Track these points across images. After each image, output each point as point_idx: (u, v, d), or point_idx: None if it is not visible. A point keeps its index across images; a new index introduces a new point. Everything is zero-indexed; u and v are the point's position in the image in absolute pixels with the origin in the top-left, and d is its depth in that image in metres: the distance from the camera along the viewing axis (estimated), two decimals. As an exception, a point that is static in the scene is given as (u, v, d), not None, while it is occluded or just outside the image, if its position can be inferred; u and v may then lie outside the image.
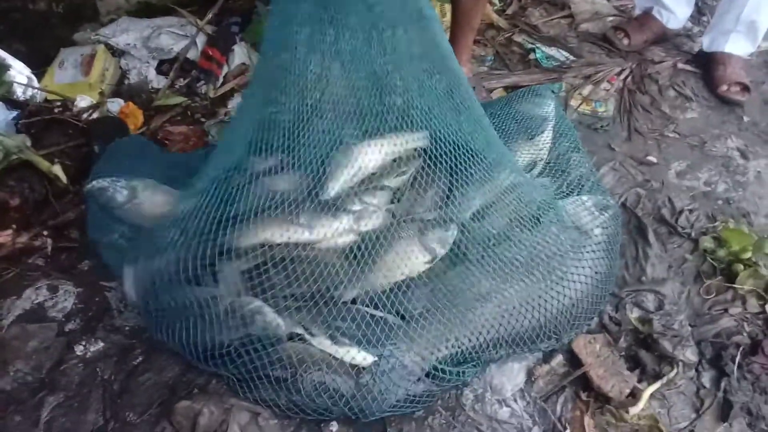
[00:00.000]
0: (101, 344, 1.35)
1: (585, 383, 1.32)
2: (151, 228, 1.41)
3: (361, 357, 1.21)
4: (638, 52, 2.24)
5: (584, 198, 1.50)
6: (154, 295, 1.31)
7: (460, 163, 1.38)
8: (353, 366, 1.22)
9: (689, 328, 1.42)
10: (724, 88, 2.07)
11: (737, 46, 2.10)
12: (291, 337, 1.24)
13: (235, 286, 1.26)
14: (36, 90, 1.83)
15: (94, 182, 1.48)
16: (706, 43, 2.17)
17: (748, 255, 1.52)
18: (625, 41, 2.24)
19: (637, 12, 2.35)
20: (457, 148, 1.39)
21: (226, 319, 1.21)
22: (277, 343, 1.21)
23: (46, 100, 1.87)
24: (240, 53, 1.99)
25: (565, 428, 1.25)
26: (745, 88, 2.07)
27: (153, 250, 1.37)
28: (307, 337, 1.23)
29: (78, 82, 1.87)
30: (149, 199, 1.45)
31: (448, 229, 1.33)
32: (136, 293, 1.33)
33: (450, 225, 1.33)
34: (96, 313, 1.40)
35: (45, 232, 1.54)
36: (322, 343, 1.23)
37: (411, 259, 1.30)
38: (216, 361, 1.22)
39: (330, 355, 1.23)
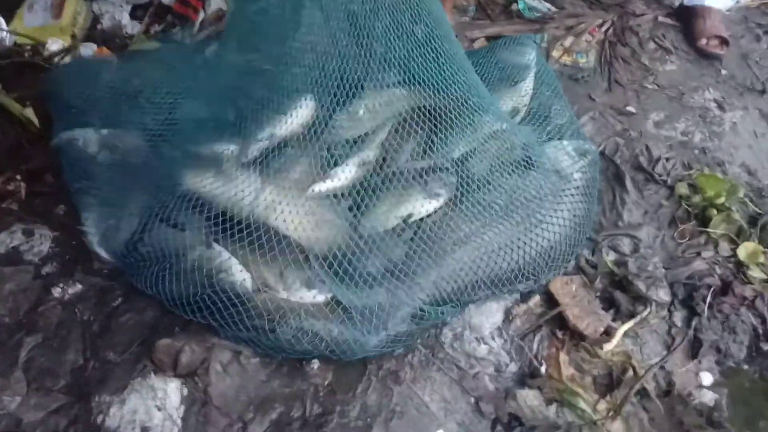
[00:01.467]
0: (79, 287, 1.34)
1: (561, 322, 1.35)
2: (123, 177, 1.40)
3: (311, 295, 1.23)
4: (619, 5, 2.23)
5: (564, 143, 1.51)
6: (128, 246, 1.31)
7: (441, 107, 1.38)
8: (333, 310, 1.23)
9: (663, 270, 1.46)
10: (704, 41, 2.08)
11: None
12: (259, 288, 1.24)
13: (201, 235, 1.26)
14: (5, 33, 1.77)
15: (61, 134, 1.46)
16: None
17: (722, 200, 1.55)
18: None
19: None
20: (437, 92, 1.38)
21: (193, 274, 1.21)
22: (246, 299, 1.21)
23: (15, 44, 1.81)
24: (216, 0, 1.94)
25: (541, 364, 1.29)
26: (724, 42, 2.08)
27: (127, 201, 1.36)
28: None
29: (48, 25, 1.81)
30: (121, 145, 1.44)
31: (448, 173, 1.34)
32: (106, 249, 1.34)
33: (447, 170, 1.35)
34: (73, 256, 1.39)
35: (18, 177, 1.50)
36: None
37: (416, 207, 1.31)
38: (192, 308, 1.22)
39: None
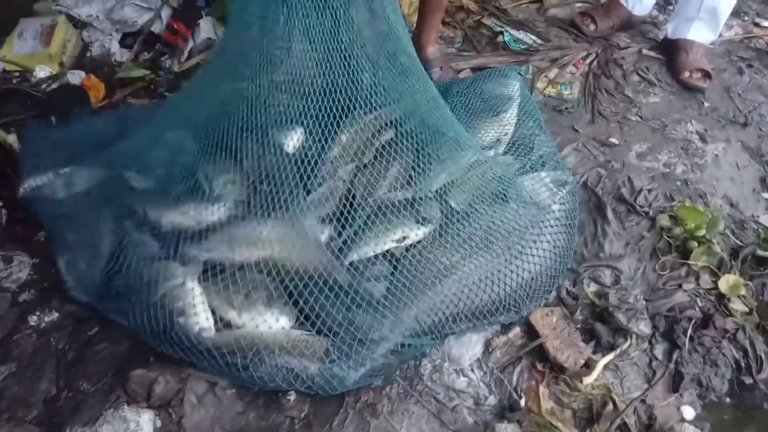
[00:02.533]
0: (56, 314, 1.33)
1: (541, 354, 1.34)
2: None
3: (273, 319, 1.21)
4: (604, 38, 2.27)
5: (543, 174, 1.52)
6: (101, 284, 1.30)
7: (424, 140, 1.39)
8: (308, 347, 1.21)
9: (644, 302, 1.46)
10: (687, 74, 2.11)
11: (699, 33, 2.15)
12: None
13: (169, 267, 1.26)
14: (-6, 60, 1.79)
15: (26, 183, 1.45)
16: (670, 30, 2.21)
17: (703, 232, 1.56)
18: (592, 27, 2.27)
19: None
20: (421, 124, 1.40)
21: (163, 309, 1.20)
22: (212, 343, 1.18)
23: (4, 71, 1.82)
24: (206, 28, 1.96)
25: (520, 397, 1.28)
26: (707, 75, 2.11)
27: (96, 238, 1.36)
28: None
29: (37, 52, 1.82)
30: (86, 181, 1.44)
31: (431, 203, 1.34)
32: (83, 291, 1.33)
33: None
34: (51, 284, 1.38)
35: (0, 203, 1.50)
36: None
37: (407, 231, 1.32)
38: (163, 342, 1.20)
39: (283, 338, 1.21)
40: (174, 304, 1.19)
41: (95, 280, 1.31)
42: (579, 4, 2.45)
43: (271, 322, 1.20)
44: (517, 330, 1.37)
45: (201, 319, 1.18)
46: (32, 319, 1.32)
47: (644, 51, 2.25)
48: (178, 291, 1.20)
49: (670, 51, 2.21)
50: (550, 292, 1.44)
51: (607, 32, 2.28)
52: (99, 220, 1.38)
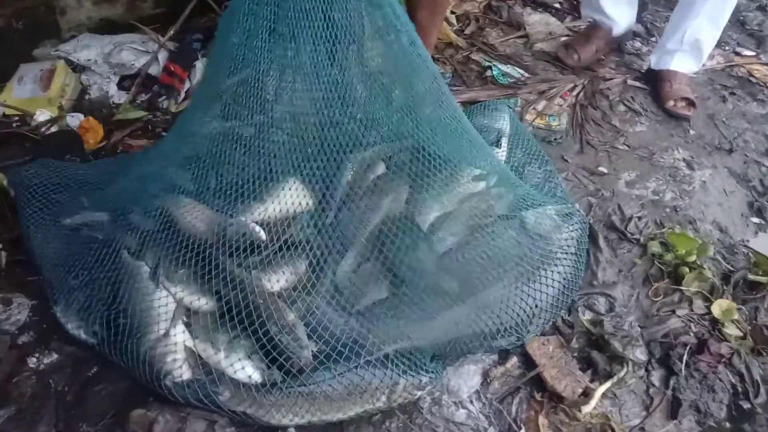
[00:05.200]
0: (55, 356, 1.33)
1: (539, 384, 1.35)
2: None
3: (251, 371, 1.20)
4: (590, 68, 2.33)
5: (548, 208, 1.54)
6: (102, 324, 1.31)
7: (420, 170, 1.41)
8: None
9: (639, 329, 1.47)
10: (671, 103, 2.17)
11: (683, 64, 2.21)
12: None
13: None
14: (-6, 105, 1.82)
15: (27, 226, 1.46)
16: (653, 61, 2.28)
17: (693, 258, 1.59)
18: (575, 57, 2.32)
19: (583, 26, 2.46)
20: (417, 151, 1.42)
21: (146, 367, 1.21)
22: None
23: (4, 115, 1.86)
24: (201, 69, 2.01)
25: (520, 428, 1.28)
26: (691, 104, 2.17)
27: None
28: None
29: (37, 97, 1.86)
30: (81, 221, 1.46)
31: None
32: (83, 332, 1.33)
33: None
34: (50, 325, 1.38)
35: (-1, 245, 1.52)
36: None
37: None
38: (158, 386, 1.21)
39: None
40: (159, 363, 1.19)
41: (94, 320, 1.32)
42: (564, 38, 2.52)
43: (250, 372, 1.20)
44: (514, 360, 1.38)
45: (186, 375, 1.19)
46: (31, 361, 1.32)
47: (629, 81, 2.32)
48: (163, 347, 1.21)
49: (655, 81, 2.27)
50: (552, 320, 1.45)
51: (592, 59, 2.35)
52: (97, 258, 1.39)
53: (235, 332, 1.23)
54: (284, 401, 1.18)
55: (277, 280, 1.29)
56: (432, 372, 1.28)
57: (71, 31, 2.02)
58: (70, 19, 2.01)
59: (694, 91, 2.26)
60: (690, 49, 2.18)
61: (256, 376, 1.19)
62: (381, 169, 1.43)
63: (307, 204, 1.35)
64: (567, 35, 2.55)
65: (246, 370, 1.20)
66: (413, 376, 1.25)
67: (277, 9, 1.33)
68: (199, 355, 1.22)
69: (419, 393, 1.27)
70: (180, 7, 2.10)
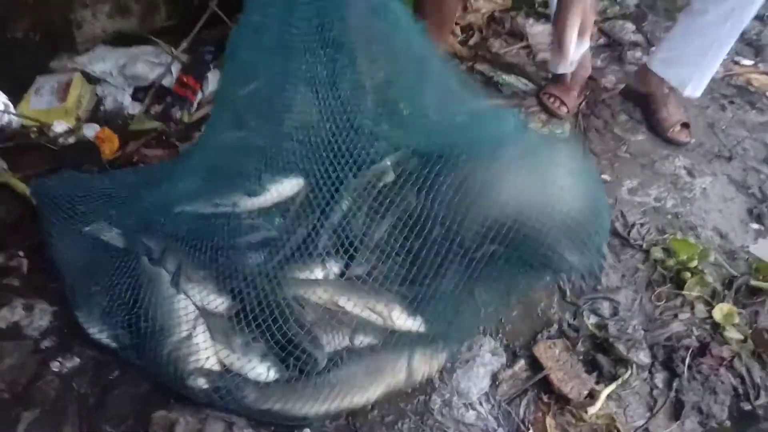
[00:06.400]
0: (77, 360, 1.37)
1: (546, 386, 1.39)
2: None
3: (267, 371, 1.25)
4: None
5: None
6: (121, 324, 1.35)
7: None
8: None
9: (642, 333, 1.52)
10: (670, 131, 2.14)
11: (680, 80, 2.12)
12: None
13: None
14: (12, 116, 1.87)
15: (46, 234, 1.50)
16: (651, 62, 2.18)
17: (695, 264, 1.63)
18: (564, 109, 2.22)
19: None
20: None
21: (169, 368, 1.25)
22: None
23: (22, 126, 1.91)
24: (213, 80, 2.07)
25: (528, 429, 1.32)
26: (687, 126, 2.16)
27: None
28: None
29: (54, 108, 1.91)
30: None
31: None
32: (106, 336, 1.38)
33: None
34: (72, 330, 1.42)
35: (20, 253, 1.56)
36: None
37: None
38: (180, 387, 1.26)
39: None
40: (182, 364, 1.23)
41: (115, 324, 1.36)
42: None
43: (267, 372, 1.25)
44: (522, 363, 1.42)
45: (209, 375, 1.23)
46: (54, 365, 1.36)
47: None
48: (186, 348, 1.25)
49: (648, 96, 2.22)
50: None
51: (579, 103, 2.28)
52: (118, 265, 1.44)
53: (252, 334, 1.27)
54: (307, 392, 1.22)
55: (292, 276, 1.34)
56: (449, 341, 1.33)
57: (87, 44, 2.07)
58: (85, 32, 2.06)
59: (687, 108, 2.24)
60: (698, 72, 2.09)
61: (273, 375, 1.24)
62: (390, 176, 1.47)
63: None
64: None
65: (262, 370, 1.25)
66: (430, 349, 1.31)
67: (287, 25, 1.39)
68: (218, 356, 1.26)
69: (438, 365, 1.33)
70: (191, 19, 2.15)
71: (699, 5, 1.96)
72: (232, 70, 1.59)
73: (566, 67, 1.90)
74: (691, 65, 2.08)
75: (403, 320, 1.30)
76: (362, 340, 1.30)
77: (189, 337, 1.26)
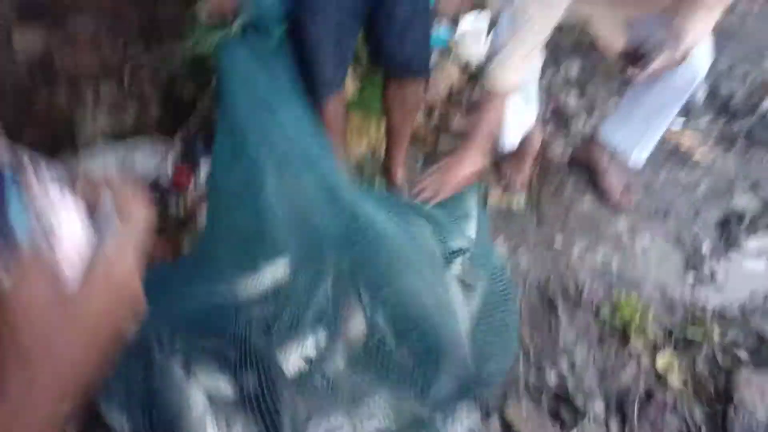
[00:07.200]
0: (102, 444, 1.53)
1: (518, 440, 1.61)
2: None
3: None
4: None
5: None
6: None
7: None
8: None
9: (596, 384, 1.76)
10: (616, 198, 2.41)
11: (628, 152, 2.36)
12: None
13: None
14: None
15: None
16: (599, 132, 2.44)
17: (637, 320, 1.89)
18: (518, 181, 2.45)
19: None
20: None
21: None
22: None
23: (29, 222, 2.06)
24: (206, 169, 2.28)
25: (503, 479, 1.53)
26: (627, 189, 2.45)
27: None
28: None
29: (59, 204, 2.08)
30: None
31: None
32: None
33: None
34: (93, 417, 1.57)
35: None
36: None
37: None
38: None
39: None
40: None
41: (132, 414, 1.52)
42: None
43: None
44: (496, 423, 1.64)
45: None
46: (80, 450, 1.51)
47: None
48: None
49: (591, 167, 2.48)
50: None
51: (531, 175, 2.50)
52: (131, 353, 1.60)
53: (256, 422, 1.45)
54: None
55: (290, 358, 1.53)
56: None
57: (87, 142, 2.27)
58: (86, 132, 2.26)
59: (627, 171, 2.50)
60: (638, 139, 2.31)
61: None
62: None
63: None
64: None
65: None
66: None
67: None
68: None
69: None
70: (183, 110, 2.37)
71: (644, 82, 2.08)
72: (220, 155, 1.79)
73: (509, 147, 2.19)
74: (635, 137, 2.32)
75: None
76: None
77: (200, 426, 1.43)
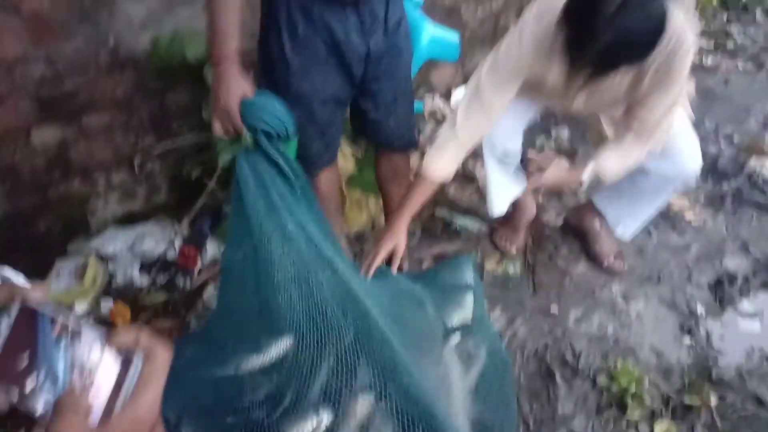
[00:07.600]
0: None
1: None
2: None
3: None
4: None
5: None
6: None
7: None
8: None
9: (596, 456, 1.78)
10: (605, 263, 2.47)
11: (616, 223, 2.45)
12: None
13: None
14: (35, 299, 2.13)
15: None
16: (598, 199, 2.49)
17: (633, 389, 1.93)
18: (513, 248, 2.55)
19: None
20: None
21: None
22: None
23: (44, 308, 2.15)
24: (212, 249, 2.38)
25: None
26: (621, 255, 2.51)
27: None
28: None
29: (73, 289, 2.18)
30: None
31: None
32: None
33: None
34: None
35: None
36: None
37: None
38: None
39: None
40: None
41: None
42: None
43: None
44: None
45: None
46: None
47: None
48: None
49: (583, 233, 2.55)
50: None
51: (526, 241, 2.59)
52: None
53: None
54: None
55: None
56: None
57: (99, 226, 2.39)
58: (98, 216, 2.38)
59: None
60: (628, 214, 2.38)
61: None
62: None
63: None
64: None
65: None
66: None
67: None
68: None
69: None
70: (190, 194, 2.50)
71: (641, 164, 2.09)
72: (233, 240, 1.87)
73: (497, 213, 2.33)
74: (624, 212, 2.41)
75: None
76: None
77: None
